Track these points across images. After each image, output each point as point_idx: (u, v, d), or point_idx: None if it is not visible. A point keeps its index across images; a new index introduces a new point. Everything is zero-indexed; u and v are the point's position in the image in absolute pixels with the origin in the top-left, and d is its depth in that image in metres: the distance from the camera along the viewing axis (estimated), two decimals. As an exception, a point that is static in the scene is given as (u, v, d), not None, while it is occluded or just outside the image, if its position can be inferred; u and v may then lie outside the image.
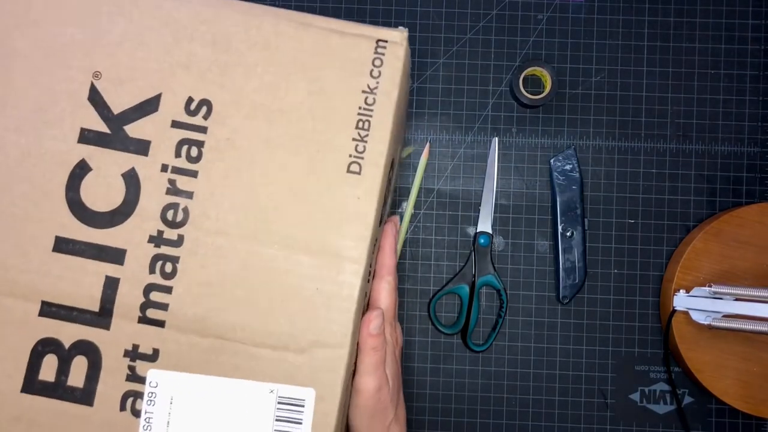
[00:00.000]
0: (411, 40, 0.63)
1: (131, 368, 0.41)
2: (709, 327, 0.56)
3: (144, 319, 0.41)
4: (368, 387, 0.45)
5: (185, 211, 0.42)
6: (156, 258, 0.42)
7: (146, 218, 0.42)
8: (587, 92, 0.63)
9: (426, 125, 0.63)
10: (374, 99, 0.42)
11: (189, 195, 0.42)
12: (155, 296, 0.41)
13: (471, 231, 0.62)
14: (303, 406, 0.41)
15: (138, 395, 0.41)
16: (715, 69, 0.63)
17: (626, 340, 0.61)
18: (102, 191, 0.42)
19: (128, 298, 0.41)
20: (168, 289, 0.41)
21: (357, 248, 0.42)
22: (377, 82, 0.43)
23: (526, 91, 0.61)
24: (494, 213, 0.62)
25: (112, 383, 0.41)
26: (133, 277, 0.41)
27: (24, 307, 0.41)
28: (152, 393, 0.41)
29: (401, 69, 0.43)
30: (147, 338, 0.41)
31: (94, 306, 0.41)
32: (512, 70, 0.63)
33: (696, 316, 0.57)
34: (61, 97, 0.42)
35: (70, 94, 0.42)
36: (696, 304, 0.57)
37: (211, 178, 0.42)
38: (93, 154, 0.42)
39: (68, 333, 0.41)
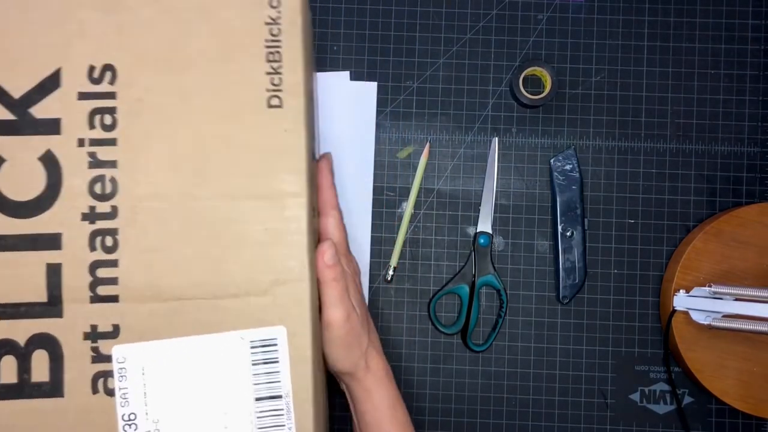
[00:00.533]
0: (411, 40, 0.63)
1: (94, 349, 0.40)
2: (709, 327, 0.56)
3: (96, 298, 0.40)
4: (336, 318, 0.45)
5: (113, 181, 0.41)
6: (94, 234, 0.40)
7: (74, 197, 0.40)
8: (587, 92, 0.63)
9: (426, 125, 0.63)
10: (279, 29, 0.41)
11: (113, 164, 0.41)
12: (102, 272, 0.40)
13: (471, 231, 0.62)
14: (276, 344, 0.41)
15: (108, 374, 0.40)
16: (715, 69, 0.62)
17: (626, 340, 0.61)
18: (22, 180, 0.40)
19: (75, 281, 0.40)
20: (113, 263, 0.40)
21: (296, 182, 0.41)
22: (278, 12, 0.42)
23: (526, 91, 0.61)
24: (494, 213, 0.62)
25: (78, 369, 0.40)
26: (75, 258, 0.40)
27: None
28: (122, 368, 0.40)
29: None
30: (104, 316, 0.40)
31: (42, 296, 0.40)
32: (512, 70, 0.63)
33: (696, 316, 0.57)
34: None
35: None
36: (696, 304, 0.57)
37: (132, 142, 0.41)
38: (3, 144, 0.40)
39: (21, 330, 0.40)
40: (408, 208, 0.62)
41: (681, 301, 0.57)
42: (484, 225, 0.61)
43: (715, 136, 0.62)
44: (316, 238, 0.46)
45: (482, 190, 0.62)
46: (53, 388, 0.40)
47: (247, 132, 0.41)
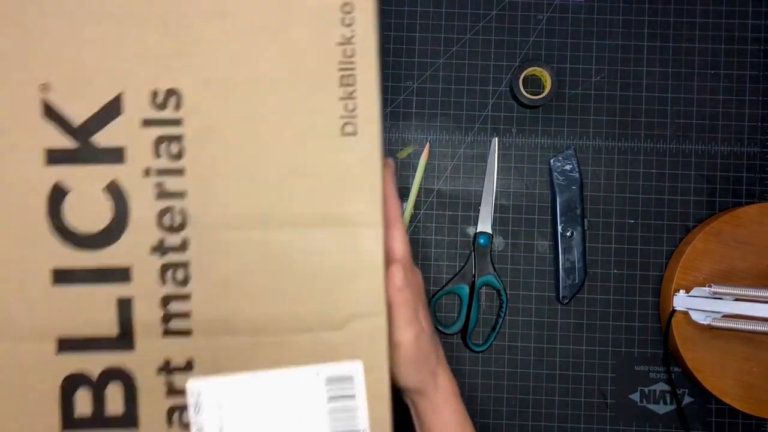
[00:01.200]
0: (411, 40, 0.63)
1: (169, 384, 0.39)
2: (709, 327, 0.56)
3: (168, 332, 0.39)
4: (407, 339, 0.43)
5: (182, 212, 0.39)
6: (165, 268, 0.39)
7: (142, 229, 0.39)
8: (587, 92, 0.63)
9: (426, 125, 0.63)
10: (353, 50, 0.39)
11: (181, 195, 0.39)
12: (174, 306, 0.39)
13: (471, 231, 0.62)
14: (353, 380, 0.40)
15: (183, 409, 0.39)
16: (715, 69, 0.62)
17: (626, 340, 0.61)
18: (87, 211, 0.39)
19: (146, 315, 0.39)
20: (186, 297, 0.39)
21: (370, 212, 0.40)
22: (352, 31, 0.39)
23: (526, 91, 0.61)
24: (494, 213, 0.62)
25: (152, 403, 0.39)
26: (146, 292, 0.39)
27: (39, 350, 0.39)
28: (197, 402, 0.40)
29: (373, 11, 0.39)
30: (177, 350, 0.39)
31: (113, 331, 0.39)
32: (512, 70, 0.63)
33: (696, 316, 0.57)
34: (12, 119, 0.39)
35: (20, 114, 0.39)
36: (696, 304, 0.57)
37: (201, 171, 0.39)
38: (66, 173, 0.39)
39: (93, 363, 0.39)
40: (408, 208, 0.62)
41: (681, 301, 0.57)
42: (484, 225, 0.61)
43: (715, 136, 0.62)
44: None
45: (482, 190, 0.62)
46: (127, 421, 0.40)
47: (320, 160, 0.39)
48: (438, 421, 0.48)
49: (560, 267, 0.61)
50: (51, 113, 0.39)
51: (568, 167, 0.61)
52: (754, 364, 0.57)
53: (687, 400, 0.61)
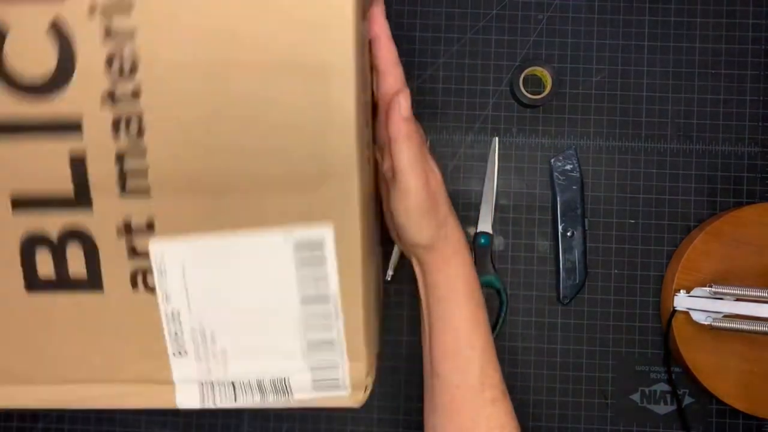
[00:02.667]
0: (411, 39, 0.63)
1: (130, 245, 0.38)
2: (710, 327, 0.56)
3: (126, 191, 0.37)
4: (415, 184, 0.38)
5: (132, 55, 0.35)
6: (117, 120, 0.36)
7: (90, 75, 0.36)
8: (587, 92, 0.63)
9: (426, 125, 0.63)
10: None
11: (130, 35, 0.35)
12: (130, 163, 0.36)
13: (471, 231, 0.62)
14: (323, 245, 0.37)
15: (147, 271, 0.38)
16: (715, 69, 0.62)
17: (626, 340, 0.61)
18: (30, 55, 0.35)
19: (101, 172, 0.36)
20: (141, 153, 0.36)
21: (341, 58, 0.35)
22: None
23: (526, 91, 0.61)
24: (494, 213, 0.62)
25: (115, 264, 0.38)
26: (98, 147, 0.36)
27: None
28: (161, 265, 0.38)
29: None
30: (136, 210, 0.37)
31: (68, 188, 0.37)
32: (512, 70, 0.63)
33: (696, 316, 0.57)
34: None
35: None
36: (696, 304, 0.57)
37: (151, 7, 0.35)
38: (5, 11, 0.35)
39: (51, 223, 0.37)
40: (408, 208, 0.62)
41: (681, 301, 0.57)
42: (484, 225, 0.61)
43: (715, 136, 0.62)
44: (367, 114, 0.40)
45: (482, 190, 0.62)
46: (92, 283, 0.38)
47: None
48: (444, 276, 0.42)
49: (561, 267, 0.60)
50: None
51: (568, 167, 0.61)
52: (754, 364, 0.57)
53: (687, 400, 0.61)
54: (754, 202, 0.61)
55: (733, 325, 0.56)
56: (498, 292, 0.61)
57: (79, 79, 0.36)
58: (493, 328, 0.61)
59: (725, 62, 0.62)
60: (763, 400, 0.57)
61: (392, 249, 0.62)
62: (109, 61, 0.36)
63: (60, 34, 0.35)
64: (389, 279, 0.61)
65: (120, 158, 0.36)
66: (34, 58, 0.36)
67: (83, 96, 0.36)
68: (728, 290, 0.56)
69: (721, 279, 0.58)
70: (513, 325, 0.61)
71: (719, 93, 0.62)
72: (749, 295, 0.56)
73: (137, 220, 0.37)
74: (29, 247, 0.38)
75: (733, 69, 0.62)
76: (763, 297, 0.55)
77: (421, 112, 0.63)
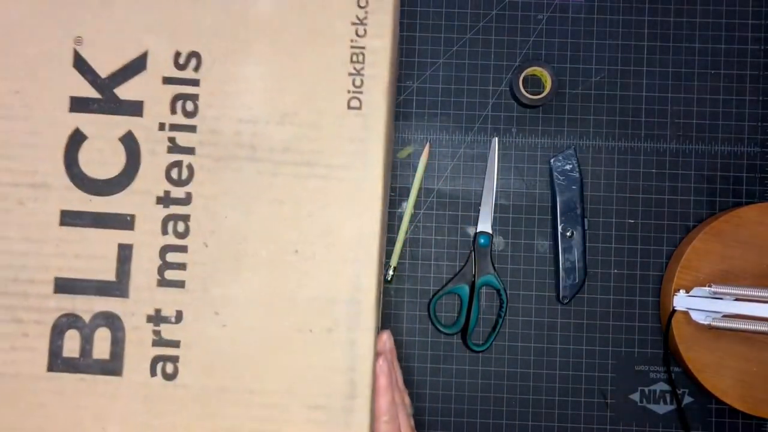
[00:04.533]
0: (410, 40, 0.63)
1: (156, 333, 0.40)
2: (709, 327, 0.56)
3: (163, 282, 0.40)
4: None
5: (189, 167, 0.41)
6: (167, 219, 0.41)
7: (150, 180, 0.41)
8: (587, 92, 0.63)
9: (426, 125, 0.63)
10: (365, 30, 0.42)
11: (191, 151, 0.41)
12: (171, 257, 0.41)
13: (471, 231, 0.62)
14: None
15: (167, 359, 0.40)
16: (715, 69, 0.62)
17: (626, 340, 0.61)
18: (101, 158, 0.41)
19: (144, 262, 0.40)
20: (183, 249, 0.41)
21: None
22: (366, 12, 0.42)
23: (526, 91, 0.61)
24: (494, 213, 0.62)
25: (138, 351, 0.40)
26: (146, 240, 0.41)
27: (39, 286, 0.40)
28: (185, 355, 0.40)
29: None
30: (169, 301, 0.40)
31: (110, 275, 0.40)
32: (512, 70, 0.63)
33: (696, 316, 0.57)
34: (44, 66, 0.41)
35: (53, 62, 0.41)
36: (696, 304, 0.57)
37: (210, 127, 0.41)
38: (86, 121, 0.41)
39: (87, 306, 0.40)
40: (408, 208, 0.62)
41: (681, 301, 0.57)
42: (484, 225, 0.61)
43: (715, 136, 0.62)
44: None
45: (482, 190, 0.62)
46: (113, 366, 0.40)
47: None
48: None
49: (560, 267, 0.61)
50: (80, 64, 0.41)
51: (568, 167, 0.61)
52: (754, 364, 0.57)
53: (687, 400, 0.61)
54: (753, 202, 0.61)
55: (732, 325, 0.56)
56: (498, 292, 0.61)
57: (141, 181, 0.41)
58: (493, 328, 0.61)
59: (725, 62, 0.62)
60: (762, 399, 0.57)
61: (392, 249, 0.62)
62: (169, 169, 0.41)
63: (131, 143, 0.41)
64: (390, 279, 0.61)
65: (163, 252, 0.41)
66: (104, 160, 0.41)
67: (141, 196, 0.41)
68: (728, 290, 0.56)
69: (720, 279, 0.58)
70: (513, 325, 0.61)
71: (719, 93, 0.62)
72: (749, 295, 0.56)
73: (167, 311, 0.41)
74: (61, 325, 0.41)
75: (733, 69, 0.62)
76: (763, 297, 0.55)
77: (421, 112, 0.63)
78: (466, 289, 0.61)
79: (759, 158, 0.62)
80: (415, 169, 0.62)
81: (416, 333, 0.62)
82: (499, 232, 0.62)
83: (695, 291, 0.58)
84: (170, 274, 0.40)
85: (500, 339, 0.61)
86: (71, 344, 0.40)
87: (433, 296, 0.61)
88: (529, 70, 0.61)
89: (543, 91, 0.61)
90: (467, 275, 0.61)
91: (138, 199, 0.41)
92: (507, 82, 0.63)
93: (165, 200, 0.41)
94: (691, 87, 0.62)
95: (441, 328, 0.61)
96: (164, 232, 0.41)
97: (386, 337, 0.46)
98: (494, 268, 0.61)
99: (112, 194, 0.41)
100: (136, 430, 0.40)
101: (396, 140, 0.63)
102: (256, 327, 0.40)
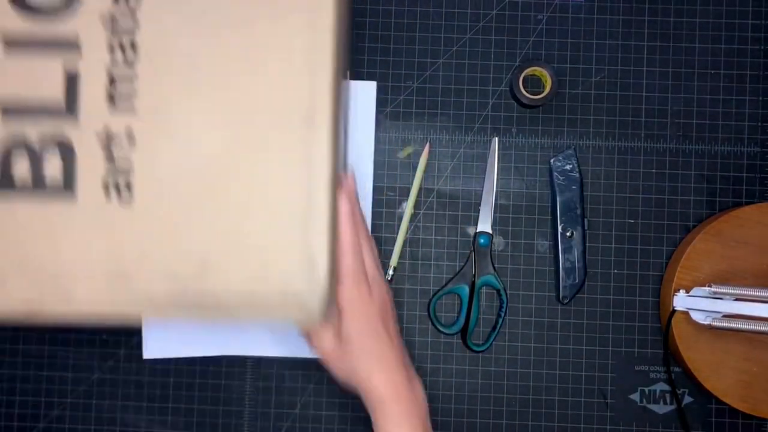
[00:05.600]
0: (411, 40, 0.63)
1: (109, 157, 0.39)
2: (709, 327, 0.56)
3: (114, 106, 0.39)
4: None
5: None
6: (113, 44, 0.39)
7: (95, 2, 0.39)
8: (587, 92, 0.63)
9: (426, 125, 0.63)
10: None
11: None
12: (121, 79, 0.39)
13: (471, 231, 0.62)
14: None
15: (122, 184, 0.39)
16: (715, 69, 0.63)
17: (626, 340, 0.61)
18: None
19: (93, 91, 0.39)
20: (133, 71, 0.39)
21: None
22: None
23: (526, 91, 0.61)
24: (494, 213, 0.62)
25: (90, 173, 0.39)
26: (93, 67, 0.39)
27: None
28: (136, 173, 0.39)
29: None
30: (120, 124, 0.39)
31: (59, 98, 0.39)
32: (512, 70, 0.63)
33: (696, 316, 0.57)
34: None
35: None
36: (696, 304, 0.57)
37: None
38: None
39: (35, 130, 0.39)
40: (408, 208, 0.62)
41: (681, 301, 0.57)
42: (484, 225, 0.61)
43: (715, 136, 0.62)
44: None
45: (482, 190, 0.62)
46: (66, 189, 0.40)
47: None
48: None
49: (560, 267, 0.61)
50: None
51: (568, 167, 0.61)
52: (754, 364, 0.57)
53: (687, 400, 0.61)
54: (753, 202, 0.61)
55: (732, 325, 0.56)
56: (498, 292, 0.61)
57: (84, 3, 0.39)
58: (493, 328, 0.61)
59: (725, 62, 0.62)
60: (762, 399, 0.57)
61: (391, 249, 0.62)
62: None
63: None
64: (390, 279, 0.61)
65: (111, 80, 0.39)
66: None
67: (86, 18, 0.39)
68: (728, 290, 0.56)
69: (720, 279, 0.58)
70: (513, 325, 0.62)
71: (719, 93, 0.62)
72: (749, 295, 0.56)
73: (118, 131, 0.40)
74: (9, 150, 0.40)
75: (733, 69, 0.62)
76: (763, 297, 0.55)
77: (421, 112, 0.63)
78: (466, 289, 0.61)
79: (759, 158, 0.62)
80: (415, 169, 0.62)
81: (416, 333, 0.62)
82: (499, 232, 0.62)
83: (695, 291, 0.58)
84: (120, 97, 0.39)
85: (500, 339, 0.61)
86: (21, 168, 0.40)
87: (433, 296, 0.61)
88: (529, 70, 0.61)
89: (543, 91, 0.61)
90: (467, 275, 0.61)
91: (82, 22, 0.39)
92: (507, 82, 0.63)
93: (112, 22, 0.39)
94: (691, 87, 0.62)
95: (441, 328, 0.61)
96: (112, 57, 0.39)
97: (351, 180, 0.46)
98: (494, 268, 0.61)
99: (55, 16, 0.39)
100: (92, 256, 0.39)
101: (396, 140, 0.63)
102: (211, 148, 0.39)
